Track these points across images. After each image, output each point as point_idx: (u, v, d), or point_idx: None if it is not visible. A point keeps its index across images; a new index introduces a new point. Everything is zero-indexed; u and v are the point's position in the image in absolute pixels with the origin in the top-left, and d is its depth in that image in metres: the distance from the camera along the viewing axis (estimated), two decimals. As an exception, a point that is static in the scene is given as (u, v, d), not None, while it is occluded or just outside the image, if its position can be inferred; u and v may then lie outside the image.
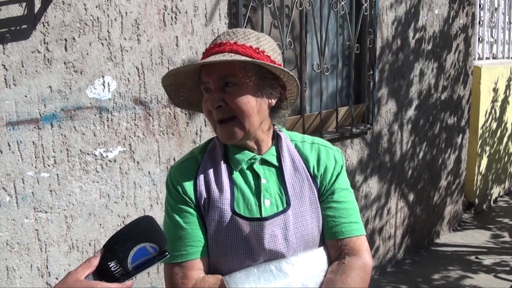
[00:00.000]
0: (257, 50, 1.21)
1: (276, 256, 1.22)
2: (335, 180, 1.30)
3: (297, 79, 1.28)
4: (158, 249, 0.96)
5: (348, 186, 1.34)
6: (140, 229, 0.96)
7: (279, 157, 1.30)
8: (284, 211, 1.24)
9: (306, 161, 1.31)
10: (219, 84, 1.20)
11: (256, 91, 1.22)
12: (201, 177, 1.27)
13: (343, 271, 1.22)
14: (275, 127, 1.35)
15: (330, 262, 1.27)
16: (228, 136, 1.23)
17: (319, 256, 1.26)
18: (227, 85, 1.20)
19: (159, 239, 0.97)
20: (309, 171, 1.30)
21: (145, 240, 0.95)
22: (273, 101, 1.27)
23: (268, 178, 1.27)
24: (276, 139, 1.33)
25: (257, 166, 1.28)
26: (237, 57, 1.17)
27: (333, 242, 1.27)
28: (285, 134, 1.35)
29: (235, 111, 1.20)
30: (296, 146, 1.34)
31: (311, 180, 1.29)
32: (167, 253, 0.98)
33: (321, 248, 1.28)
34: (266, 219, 1.21)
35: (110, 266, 0.93)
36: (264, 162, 1.29)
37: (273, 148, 1.31)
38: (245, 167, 1.28)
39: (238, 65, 1.19)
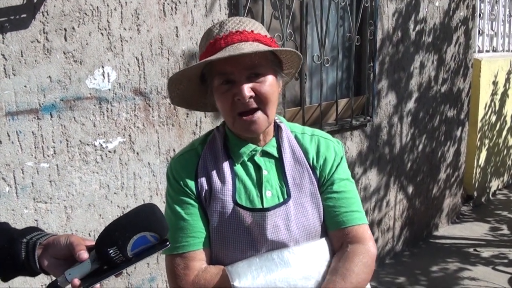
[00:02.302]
0: (271, 39, 1.24)
1: (278, 246, 1.22)
2: (334, 171, 1.30)
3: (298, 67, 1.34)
4: (159, 238, 0.96)
5: (349, 176, 1.34)
6: (142, 217, 0.96)
7: (279, 149, 1.30)
8: (285, 202, 1.24)
9: (306, 153, 1.31)
10: (245, 74, 1.18)
11: (276, 79, 1.24)
12: (202, 169, 1.27)
13: (346, 257, 1.22)
14: (276, 118, 1.35)
15: (332, 253, 1.27)
16: (253, 129, 1.21)
17: (321, 246, 1.26)
18: (255, 76, 1.19)
19: (160, 228, 0.96)
20: (308, 163, 1.30)
21: (146, 229, 0.94)
22: (281, 88, 1.30)
23: (269, 169, 1.27)
24: (277, 130, 1.33)
25: (258, 158, 1.28)
26: (262, 47, 1.17)
27: (335, 232, 1.27)
28: (285, 126, 1.35)
29: (262, 102, 1.19)
30: (296, 138, 1.34)
31: (311, 172, 1.29)
32: (168, 243, 0.97)
33: (323, 239, 1.28)
34: (268, 209, 1.21)
35: (110, 252, 0.92)
36: (265, 153, 1.29)
37: (274, 139, 1.31)
38: (246, 159, 1.28)
39: (263, 55, 1.19)
